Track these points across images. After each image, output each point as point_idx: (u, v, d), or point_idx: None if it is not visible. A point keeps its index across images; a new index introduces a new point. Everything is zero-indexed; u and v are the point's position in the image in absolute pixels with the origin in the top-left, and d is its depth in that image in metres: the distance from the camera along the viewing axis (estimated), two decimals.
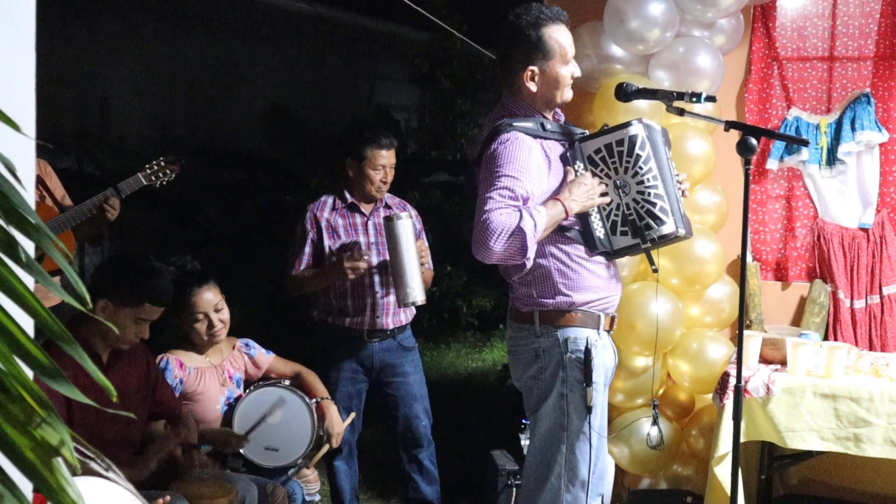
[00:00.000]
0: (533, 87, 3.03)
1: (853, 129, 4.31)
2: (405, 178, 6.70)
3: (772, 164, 4.42)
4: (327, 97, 11.16)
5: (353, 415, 4.14)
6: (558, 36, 3.01)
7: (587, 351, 2.96)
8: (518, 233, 2.76)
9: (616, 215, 3.01)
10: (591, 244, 3.02)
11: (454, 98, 10.65)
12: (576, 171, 3.01)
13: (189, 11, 9.82)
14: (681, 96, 3.08)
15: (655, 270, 3.15)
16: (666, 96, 3.12)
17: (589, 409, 2.96)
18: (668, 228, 2.97)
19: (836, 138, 4.35)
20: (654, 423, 3.52)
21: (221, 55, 10.05)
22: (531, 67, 3.01)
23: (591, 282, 3.03)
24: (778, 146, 4.40)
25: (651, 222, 2.97)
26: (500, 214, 2.78)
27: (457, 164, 10.48)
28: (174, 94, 9.63)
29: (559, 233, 3.00)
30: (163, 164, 4.16)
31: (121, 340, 3.10)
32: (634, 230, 2.98)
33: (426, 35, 10.70)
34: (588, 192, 2.96)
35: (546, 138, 3.03)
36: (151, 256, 3.35)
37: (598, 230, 3.02)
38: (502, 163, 2.88)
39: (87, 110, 8.93)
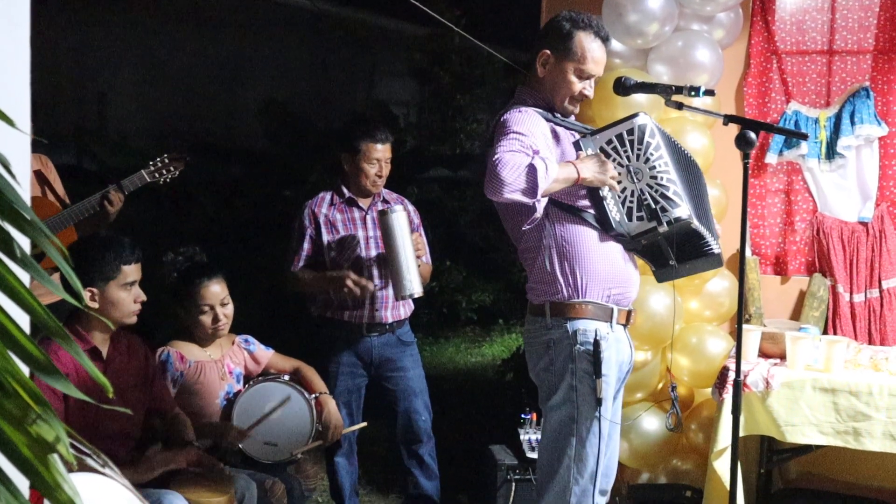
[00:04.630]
0: (541, 71, 3.08)
1: (852, 122, 4.30)
2: (404, 173, 6.70)
3: (771, 158, 4.41)
4: (326, 92, 11.15)
5: (363, 424, 4.15)
6: (588, 45, 3.04)
7: (596, 343, 2.96)
8: (530, 169, 2.77)
9: (631, 201, 3.02)
10: (606, 226, 3.03)
11: (453, 93, 10.64)
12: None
13: (187, 7, 9.81)
14: (679, 90, 3.09)
15: (674, 264, 3.14)
16: (665, 90, 3.12)
17: (599, 402, 2.97)
18: (681, 211, 2.98)
19: (836, 132, 4.34)
20: (673, 405, 3.52)
21: (220, 50, 10.05)
22: (546, 51, 3.07)
23: (600, 267, 3.03)
24: (777, 140, 4.40)
25: (665, 205, 2.98)
26: (513, 154, 2.80)
27: (456, 160, 10.48)
28: (172, 90, 9.62)
29: (573, 215, 3.03)
30: (167, 160, 4.14)
31: (125, 314, 3.13)
32: (650, 213, 2.99)
33: (425, 30, 10.69)
34: (602, 167, 2.97)
35: (556, 123, 3.07)
36: (100, 232, 3.37)
37: (614, 213, 3.03)
38: (511, 125, 2.93)
39: (86, 106, 8.92)
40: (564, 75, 3.05)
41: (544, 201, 2.91)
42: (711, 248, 3.16)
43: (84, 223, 4.03)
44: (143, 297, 3.18)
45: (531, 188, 2.79)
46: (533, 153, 2.86)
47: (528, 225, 3.05)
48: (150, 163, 4.14)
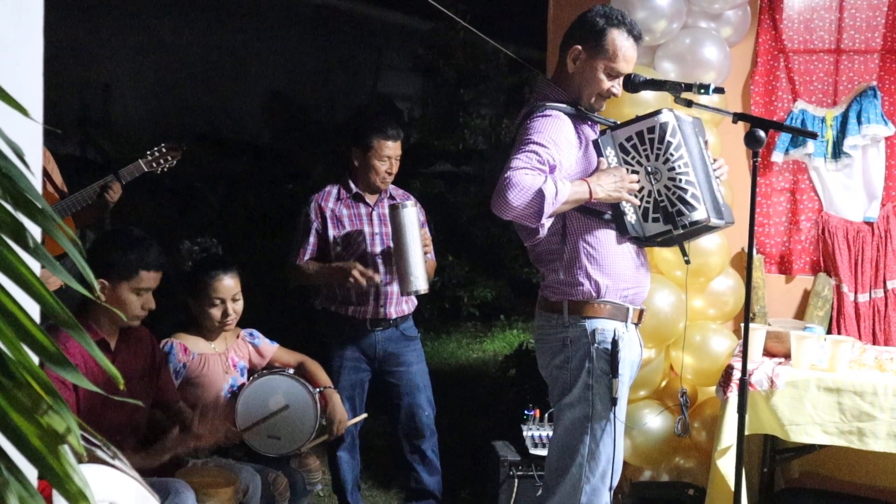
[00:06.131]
0: (571, 67, 3.05)
1: (859, 122, 4.29)
2: (407, 167, 6.67)
3: (777, 156, 4.40)
4: (330, 86, 11.14)
5: (364, 416, 4.15)
6: (620, 43, 3.01)
7: (614, 342, 2.97)
8: (538, 195, 2.76)
9: (647, 202, 3.01)
10: (622, 229, 3.03)
11: (457, 88, 10.64)
12: (608, 161, 3.02)
13: None
14: (689, 87, 3.07)
15: (688, 262, 3.14)
16: (674, 87, 3.10)
17: (614, 401, 2.98)
18: (699, 215, 2.96)
19: (842, 131, 4.33)
20: (682, 411, 3.53)
21: (225, 43, 10.04)
22: (578, 46, 3.03)
23: (619, 268, 3.03)
24: (783, 139, 4.39)
25: (682, 208, 2.96)
26: (525, 174, 2.79)
27: (459, 155, 10.47)
28: (177, 82, 9.62)
29: (590, 216, 3.02)
30: (164, 150, 4.17)
31: (129, 317, 3.07)
32: (666, 216, 2.98)
33: (429, 24, 10.69)
34: (617, 184, 2.95)
35: (580, 118, 3.06)
36: (133, 228, 3.29)
37: (630, 215, 3.03)
38: (532, 132, 2.91)
39: (90, 97, 8.92)
40: (594, 73, 3.02)
41: (549, 222, 2.91)
42: (722, 226, 3.15)
43: (82, 213, 4.04)
44: (152, 306, 3.12)
45: (536, 214, 2.79)
46: (550, 168, 2.85)
47: (529, 243, 3.08)
48: (148, 152, 4.17)
